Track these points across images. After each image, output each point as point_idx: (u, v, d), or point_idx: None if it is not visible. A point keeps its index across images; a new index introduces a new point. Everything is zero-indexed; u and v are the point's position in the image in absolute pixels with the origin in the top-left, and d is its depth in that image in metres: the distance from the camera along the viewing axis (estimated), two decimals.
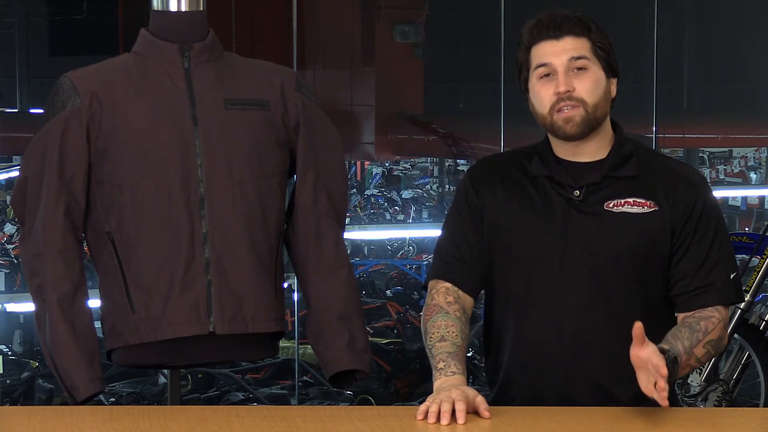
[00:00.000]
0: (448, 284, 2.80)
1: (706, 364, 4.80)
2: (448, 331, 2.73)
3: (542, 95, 2.73)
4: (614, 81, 2.76)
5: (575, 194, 2.74)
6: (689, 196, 2.74)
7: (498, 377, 2.84)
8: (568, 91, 2.69)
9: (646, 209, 2.73)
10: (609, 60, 2.74)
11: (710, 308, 2.73)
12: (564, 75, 2.70)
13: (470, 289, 2.81)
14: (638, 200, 2.74)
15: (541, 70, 2.72)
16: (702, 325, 2.70)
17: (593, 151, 2.76)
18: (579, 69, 2.71)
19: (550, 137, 2.79)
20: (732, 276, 2.77)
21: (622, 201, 2.74)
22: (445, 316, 2.76)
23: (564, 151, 2.77)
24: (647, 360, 2.48)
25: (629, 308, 2.72)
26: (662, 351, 2.52)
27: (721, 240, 2.77)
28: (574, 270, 2.73)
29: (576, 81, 2.70)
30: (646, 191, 2.74)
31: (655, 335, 2.65)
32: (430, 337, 2.74)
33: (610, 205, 2.73)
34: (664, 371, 2.46)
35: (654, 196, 2.74)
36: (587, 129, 2.72)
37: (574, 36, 2.71)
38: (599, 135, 2.76)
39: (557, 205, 2.75)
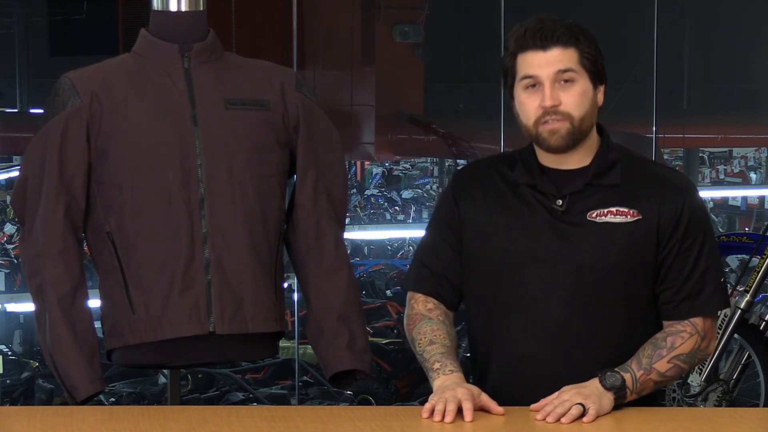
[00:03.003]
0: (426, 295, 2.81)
1: (706, 364, 4.79)
2: (435, 335, 2.73)
3: (527, 107, 2.67)
4: (601, 88, 2.71)
5: (558, 204, 2.70)
6: (675, 204, 2.69)
7: (485, 388, 2.73)
8: (555, 106, 2.64)
9: (629, 218, 2.68)
10: (596, 69, 2.68)
11: (685, 321, 2.69)
12: (550, 88, 2.64)
13: (448, 303, 2.81)
14: (621, 209, 2.68)
15: (527, 81, 2.66)
16: (668, 341, 2.67)
17: (578, 159, 2.72)
18: (566, 81, 2.65)
19: (535, 145, 2.74)
20: (720, 281, 2.74)
21: (605, 211, 2.69)
22: (428, 322, 2.76)
23: (548, 159, 2.73)
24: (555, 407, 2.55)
25: (611, 319, 2.69)
26: (604, 375, 2.59)
27: (710, 247, 2.72)
28: (557, 281, 2.68)
29: (563, 94, 2.65)
30: (630, 200, 2.69)
31: (638, 344, 2.68)
32: (419, 344, 2.74)
33: (593, 216, 2.68)
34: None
35: (637, 205, 2.69)
36: (572, 142, 2.67)
37: (561, 47, 2.64)
38: (585, 144, 2.71)
39: (539, 214, 2.70)
